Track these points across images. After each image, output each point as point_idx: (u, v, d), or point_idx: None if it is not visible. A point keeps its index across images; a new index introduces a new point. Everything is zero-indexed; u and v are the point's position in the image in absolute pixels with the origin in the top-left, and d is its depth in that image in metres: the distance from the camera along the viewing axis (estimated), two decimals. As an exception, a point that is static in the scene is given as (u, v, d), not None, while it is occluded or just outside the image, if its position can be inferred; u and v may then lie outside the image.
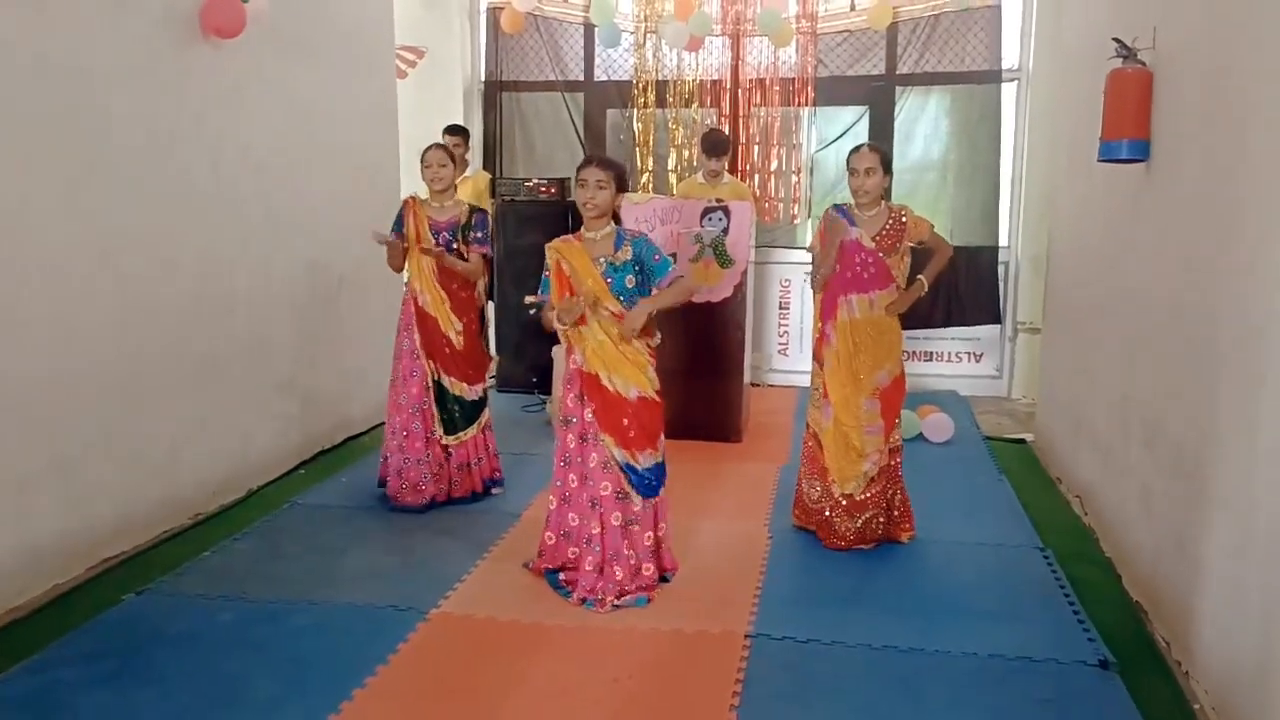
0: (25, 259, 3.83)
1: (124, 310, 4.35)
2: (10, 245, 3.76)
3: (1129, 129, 4.16)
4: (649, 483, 3.94)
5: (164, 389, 4.61)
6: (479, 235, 4.88)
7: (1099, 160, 4.33)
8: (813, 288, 4.55)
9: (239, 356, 5.19)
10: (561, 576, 4.01)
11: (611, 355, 3.87)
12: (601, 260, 3.87)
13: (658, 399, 3.95)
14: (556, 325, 3.90)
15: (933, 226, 4.42)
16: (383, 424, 5.21)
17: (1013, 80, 7.64)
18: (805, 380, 4.80)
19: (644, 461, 3.91)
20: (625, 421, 3.87)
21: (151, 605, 3.86)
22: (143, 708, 3.12)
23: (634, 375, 3.89)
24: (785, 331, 8.10)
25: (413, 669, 3.40)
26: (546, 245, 4.00)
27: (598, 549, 3.90)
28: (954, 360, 7.92)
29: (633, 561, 3.91)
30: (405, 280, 4.99)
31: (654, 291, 3.90)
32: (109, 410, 4.27)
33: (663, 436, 4.01)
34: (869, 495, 4.42)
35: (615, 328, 3.85)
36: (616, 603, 3.82)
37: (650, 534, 3.97)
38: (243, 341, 5.22)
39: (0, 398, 3.72)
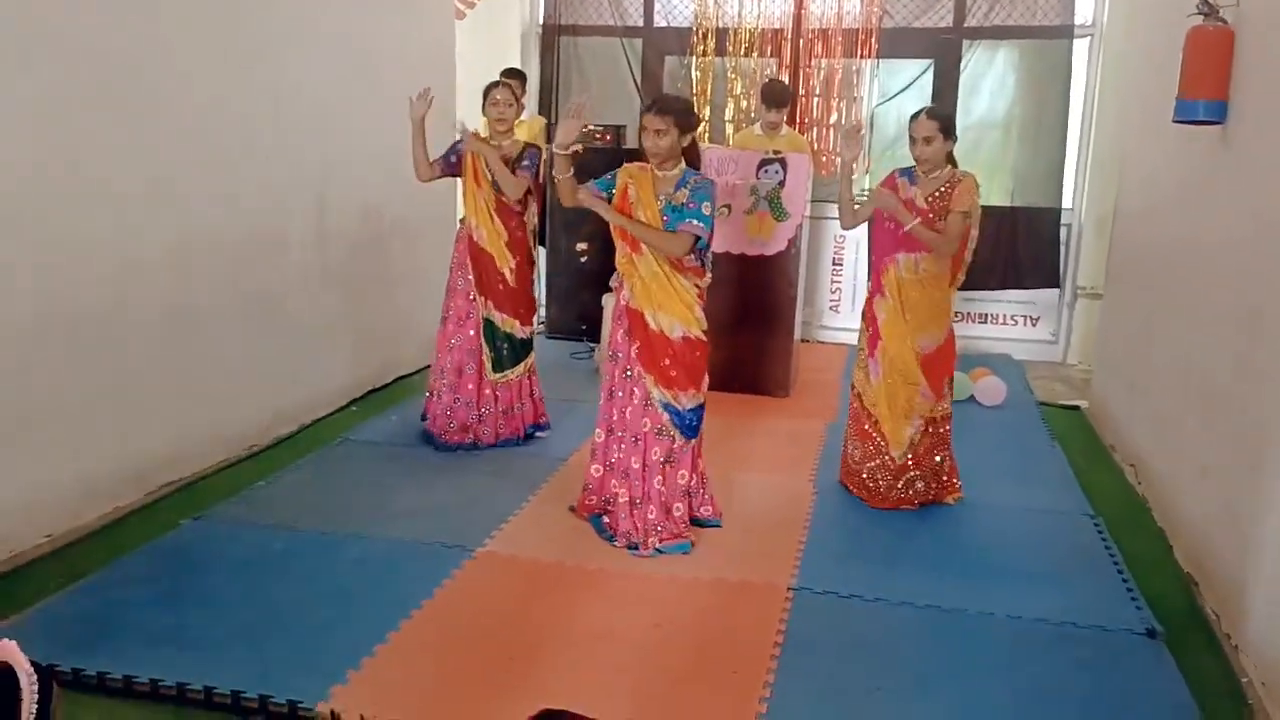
0: (89, 191, 3.89)
1: (183, 244, 4.41)
2: (75, 178, 3.82)
3: (1207, 89, 4.02)
4: (690, 423, 3.93)
5: (220, 322, 4.69)
6: (525, 163, 4.84)
7: (1174, 121, 4.19)
8: (842, 224, 4.47)
9: (293, 293, 5.25)
10: (605, 520, 4.05)
11: (660, 290, 3.85)
12: (662, 197, 3.85)
13: (703, 339, 3.93)
14: (571, 201, 3.88)
15: (965, 215, 4.21)
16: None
17: (1085, 36, 7.39)
18: (855, 338, 4.75)
19: (686, 402, 3.90)
20: (666, 361, 3.86)
21: (206, 531, 3.96)
22: (196, 628, 3.21)
23: (680, 312, 3.86)
24: (838, 288, 8.01)
25: (458, 604, 3.46)
26: (623, 166, 3.96)
27: (637, 483, 3.92)
28: (1009, 323, 7.78)
29: (664, 498, 3.91)
30: (460, 218, 4.99)
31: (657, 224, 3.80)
32: (167, 341, 4.36)
33: (706, 378, 3.99)
34: (912, 458, 4.38)
35: (667, 262, 3.83)
36: (660, 546, 3.85)
37: (685, 473, 3.97)
38: (296, 279, 5.28)
39: (62, 324, 3.81)
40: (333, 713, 2.77)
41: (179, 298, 4.40)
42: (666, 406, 3.89)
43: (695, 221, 3.76)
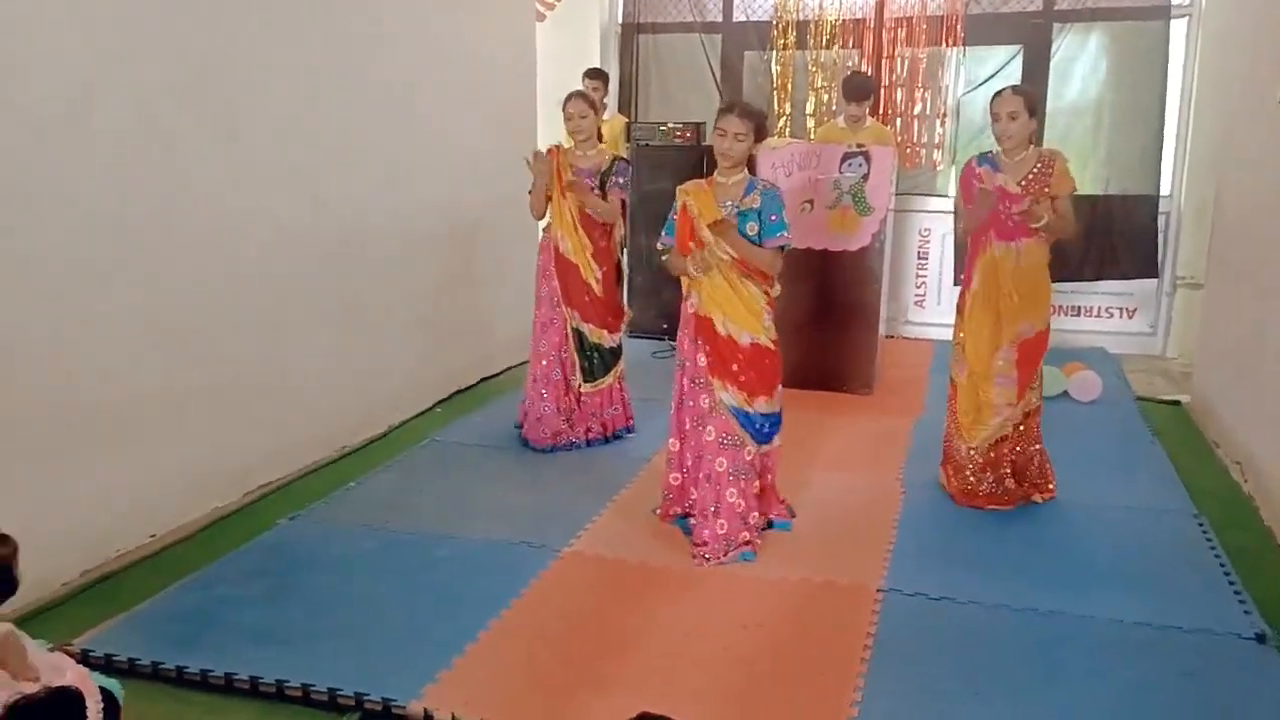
0: (186, 194, 4.02)
1: (275, 245, 4.53)
2: (172, 180, 3.95)
3: (1317, 68, 3.84)
4: (763, 429, 3.88)
5: (311, 323, 4.81)
6: (619, 181, 4.89)
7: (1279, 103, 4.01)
8: (958, 237, 4.39)
9: (380, 295, 5.36)
10: (691, 522, 4.03)
11: (726, 297, 3.83)
12: (729, 204, 3.82)
13: (773, 347, 3.88)
14: (681, 273, 3.89)
15: (1073, 193, 4.14)
16: (517, 365, 5.31)
17: (1183, 16, 7.12)
18: (941, 334, 4.66)
19: (759, 407, 3.85)
20: (735, 367, 3.83)
21: (303, 531, 4.06)
22: (293, 626, 3.29)
23: (747, 321, 3.83)
24: (923, 283, 7.86)
25: (545, 604, 3.49)
26: (678, 188, 3.97)
27: (708, 494, 3.88)
28: (1103, 316, 7.54)
29: (740, 509, 3.85)
30: (544, 226, 5.04)
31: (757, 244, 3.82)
32: (262, 341, 4.48)
33: (780, 387, 3.94)
34: (1000, 453, 4.28)
35: (735, 271, 3.81)
36: (723, 560, 3.80)
37: (758, 482, 3.93)
38: (384, 281, 5.38)
39: (165, 327, 3.95)
40: (426, 711, 2.81)
41: (272, 299, 4.52)
42: (737, 411, 3.84)
43: (783, 234, 3.81)
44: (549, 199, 4.91)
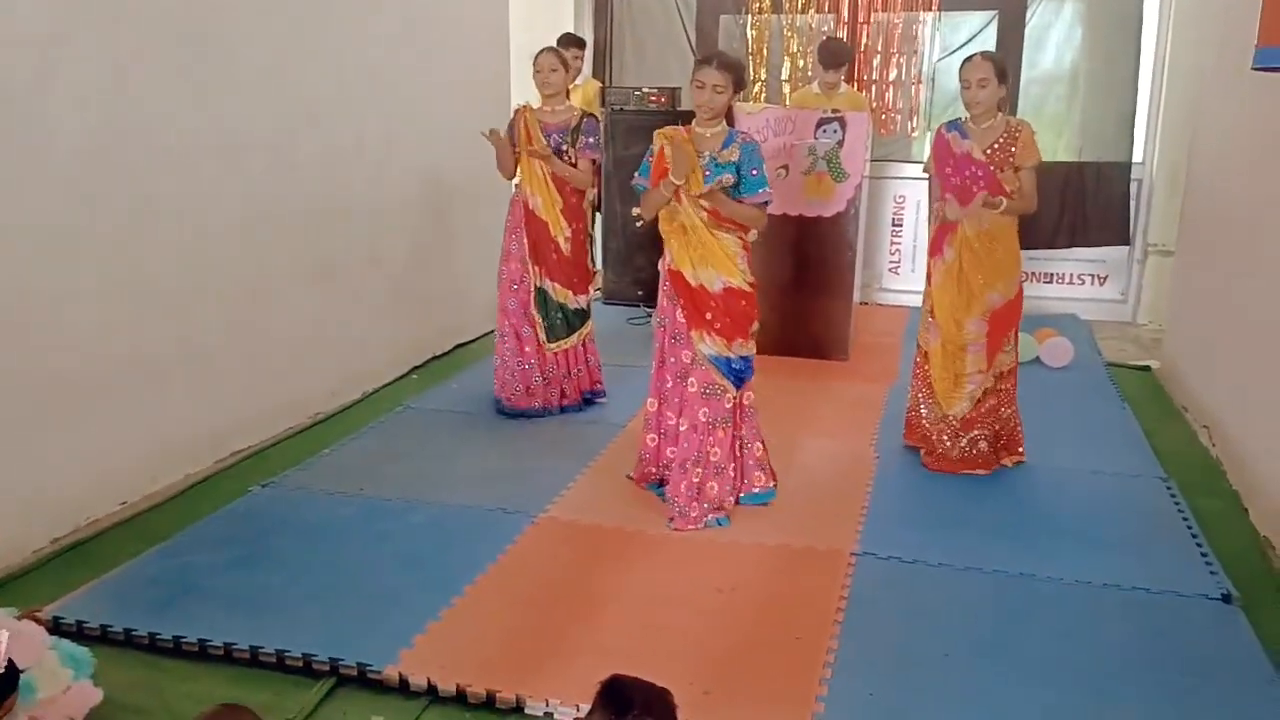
0: (159, 160, 3.96)
1: (249, 212, 4.47)
2: (145, 147, 3.89)
3: (1290, 35, 3.85)
4: (739, 371, 3.88)
5: (285, 290, 4.76)
6: (589, 140, 4.83)
7: (1253, 69, 4.03)
8: (929, 221, 4.39)
9: (355, 262, 5.31)
10: (666, 488, 4.04)
11: (700, 241, 3.80)
12: (706, 154, 3.80)
13: (748, 289, 3.86)
14: (654, 209, 3.86)
15: (1037, 165, 4.14)
16: (492, 332, 5.28)
17: (1157, -16, 7.13)
18: (916, 300, 4.67)
19: (737, 350, 3.84)
20: (710, 315, 3.82)
21: (277, 497, 4.04)
22: (267, 593, 3.28)
23: (722, 264, 3.80)
24: (898, 249, 7.87)
25: (521, 569, 3.50)
26: (657, 131, 3.93)
27: (688, 447, 3.88)
28: (1075, 282, 7.59)
29: (716, 458, 3.86)
30: (515, 183, 4.99)
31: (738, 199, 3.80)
32: (234, 308, 4.43)
33: (755, 327, 3.92)
34: (975, 415, 4.32)
35: (709, 223, 3.79)
36: (698, 526, 3.80)
37: (733, 434, 3.93)
38: (358, 247, 5.33)
39: (133, 294, 3.89)
40: (401, 676, 2.82)
41: (245, 266, 4.47)
42: (715, 359, 3.83)
43: (763, 190, 3.80)
44: (518, 158, 4.85)
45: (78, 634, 2.97)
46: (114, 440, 3.85)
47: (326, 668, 2.87)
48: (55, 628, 2.94)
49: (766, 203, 3.84)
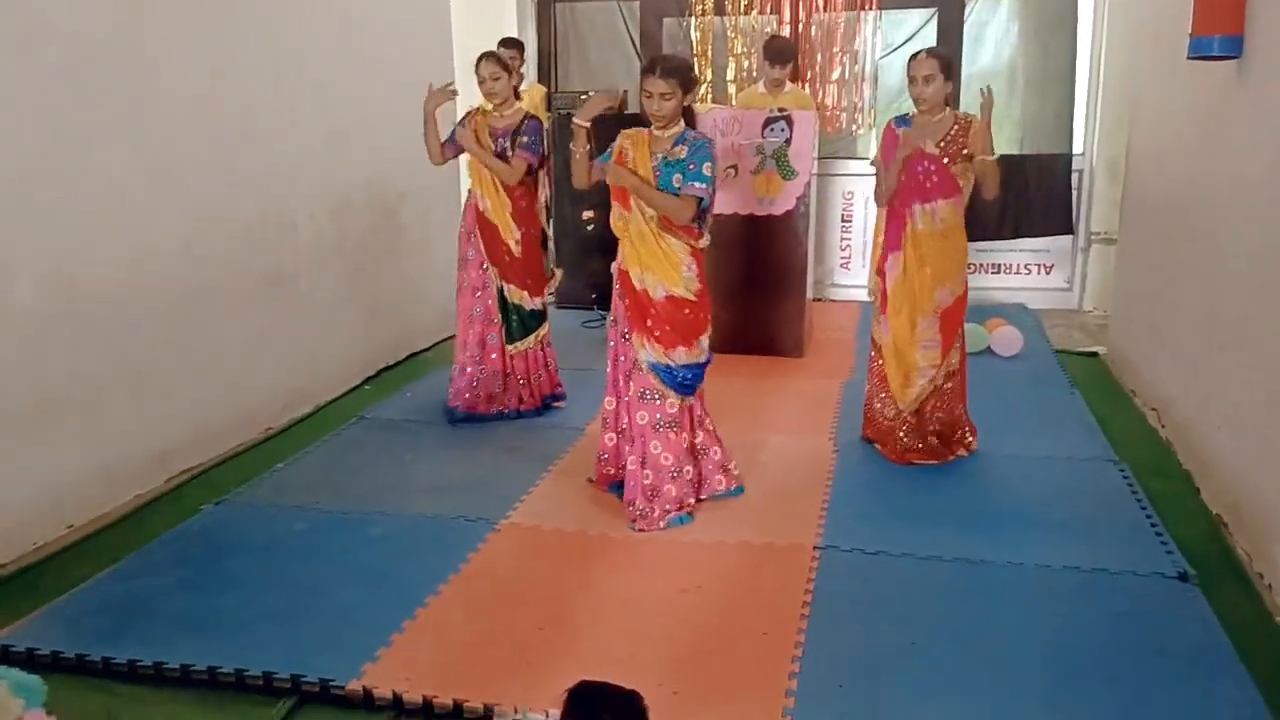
0: (93, 178, 3.87)
1: (190, 226, 4.38)
2: (78, 166, 3.80)
3: (1221, 24, 3.93)
4: (684, 381, 3.84)
5: (231, 304, 4.66)
6: (525, 140, 4.78)
7: (1188, 58, 4.11)
8: (876, 202, 4.43)
9: (302, 272, 5.22)
10: (625, 492, 4.01)
11: (649, 249, 3.79)
12: (659, 154, 3.79)
13: (693, 299, 3.82)
14: (616, 181, 3.81)
15: (993, 153, 4.16)
16: (445, 340, 5.22)
17: (1091, -21, 7.26)
18: (867, 295, 4.70)
19: (679, 359, 3.81)
20: (650, 321, 3.80)
21: (229, 515, 3.95)
22: (224, 612, 3.21)
23: (666, 273, 3.78)
24: (848, 245, 7.93)
25: (484, 577, 3.46)
26: (622, 132, 3.92)
27: (639, 447, 3.85)
28: (1022, 272, 7.70)
29: (666, 461, 3.83)
30: (469, 188, 4.95)
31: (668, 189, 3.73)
32: (179, 325, 4.33)
33: (704, 336, 3.88)
34: (928, 407, 4.36)
35: (655, 223, 3.77)
36: (660, 525, 3.79)
37: (686, 436, 3.90)
38: (306, 257, 5.25)
39: (74, 312, 3.79)
40: (365, 690, 2.77)
41: (188, 281, 4.37)
42: (654, 366, 3.81)
43: (698, 184, 3.70)
44: (444, 147, 4.82)
45: (29, 662, 2.88)
46: (58, 463, 3.75)
47: (288, 685, 2.81)
48: (5, 656, 2.85)
49: (700, 199, 3.72)
